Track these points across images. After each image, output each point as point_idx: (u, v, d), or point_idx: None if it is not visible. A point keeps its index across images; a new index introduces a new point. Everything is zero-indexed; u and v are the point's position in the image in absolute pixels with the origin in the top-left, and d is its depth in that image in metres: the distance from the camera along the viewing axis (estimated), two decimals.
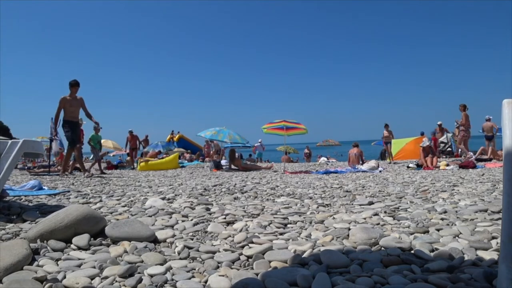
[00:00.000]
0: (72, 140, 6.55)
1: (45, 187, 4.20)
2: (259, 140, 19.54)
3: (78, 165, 7.77)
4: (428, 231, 1.77)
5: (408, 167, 8.33)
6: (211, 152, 14.42)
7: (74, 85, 6.60)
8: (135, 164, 12.06)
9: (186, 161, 14.37)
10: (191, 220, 2.16)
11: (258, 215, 2.31)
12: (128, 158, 13.49)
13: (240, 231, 1.87)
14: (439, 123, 13.92)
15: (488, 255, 1.36)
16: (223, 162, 10.71)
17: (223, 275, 1.23)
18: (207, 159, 13.36)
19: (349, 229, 1.82)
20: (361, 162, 9.75)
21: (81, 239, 1.64)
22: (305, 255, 1.44)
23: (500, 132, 11.77)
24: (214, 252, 1.49)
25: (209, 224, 2.01)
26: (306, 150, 20.82)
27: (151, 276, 1.23)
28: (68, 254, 1.48)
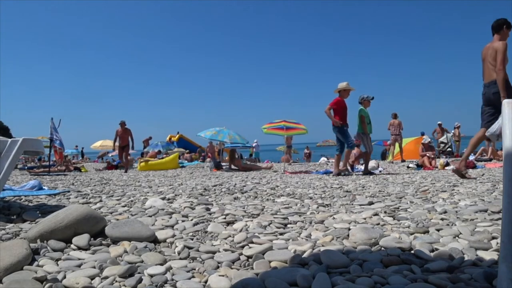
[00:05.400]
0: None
1: (45, 187, 4.21)
2: (255, 140, 19.59)
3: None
4: (428, 231, 1.77)
5: (408, 167, 8.34)
6: (215, 148, 14.41)
7: None
8: (134, 165, 11.70)
9: (186, 161, 14.39)
10: (191, 220, 2.16)
11: (258, 215, 2.31)
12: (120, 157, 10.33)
13: (240, 231, 1.87)
14: (439, 123, 13.93)
15: (488, 255, 1.36)
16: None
17: (223, 275, 1.23)
18: (208, 158, 13.34)
19: (349, 229, 1.82)
20: (361, 162, 9.76)
21: (81, 239, 1.64)
22: (305, 255, 1.44)
23: None
24: (214, 252, 1.49)
25: (209, 224, 2.01)
26: (306, 150, 20.85)
27: (151, 276, 1.24)
28: (68, 254, 1.48)
